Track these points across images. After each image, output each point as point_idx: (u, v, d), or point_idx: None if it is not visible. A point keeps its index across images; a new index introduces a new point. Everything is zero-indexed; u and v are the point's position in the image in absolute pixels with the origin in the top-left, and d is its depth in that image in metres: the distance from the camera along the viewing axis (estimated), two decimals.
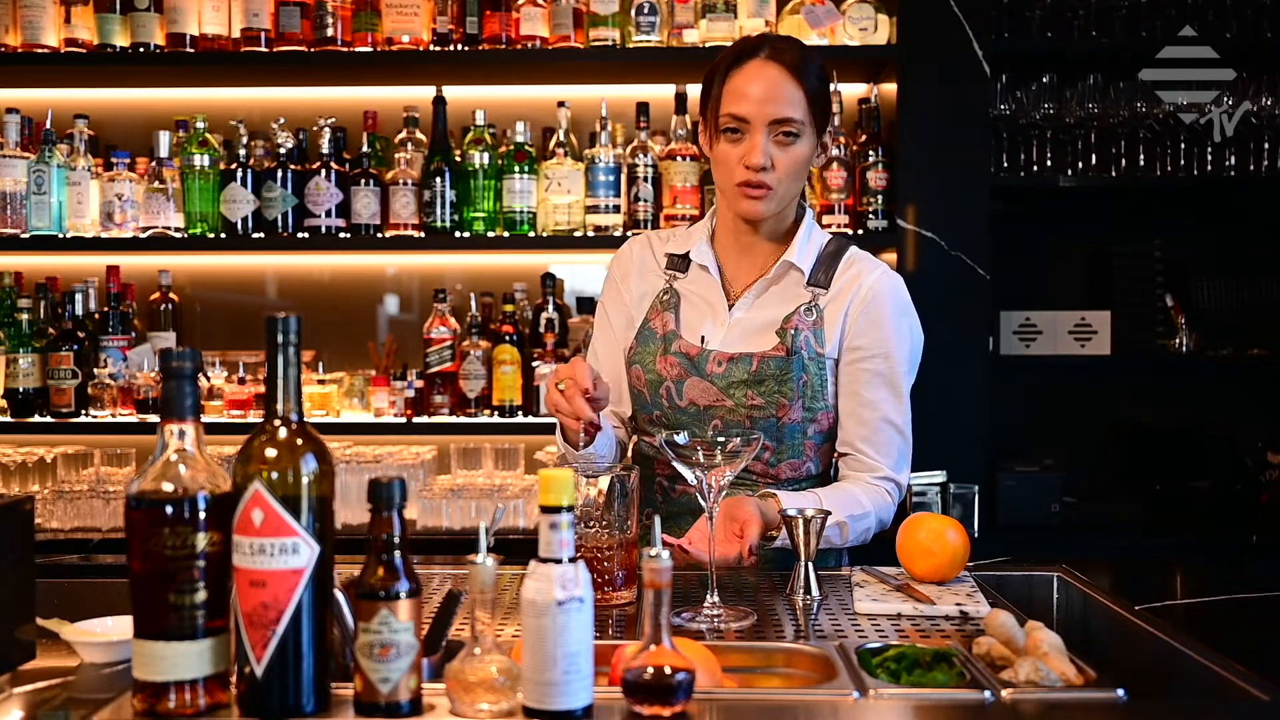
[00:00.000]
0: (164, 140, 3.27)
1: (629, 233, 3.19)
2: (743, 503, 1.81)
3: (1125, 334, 3.39)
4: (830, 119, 1.96)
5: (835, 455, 2.03)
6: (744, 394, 1.92)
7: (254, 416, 3.24)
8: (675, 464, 1.65)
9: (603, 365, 2.08)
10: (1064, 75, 3.36)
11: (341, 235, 3.25)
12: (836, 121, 3.27)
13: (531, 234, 3.23)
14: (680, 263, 2.05)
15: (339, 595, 1.24)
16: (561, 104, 3.27)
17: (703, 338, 1.98)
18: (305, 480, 1.19)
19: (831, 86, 1.95)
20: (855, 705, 1.25)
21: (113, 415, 3.27)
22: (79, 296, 3.36)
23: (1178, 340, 3.43)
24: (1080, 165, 3.38)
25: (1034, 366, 3.43)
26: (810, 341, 1.93)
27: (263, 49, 3.24)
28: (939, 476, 3.14)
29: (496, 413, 3.26)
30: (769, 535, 1.83)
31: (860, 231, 3.24)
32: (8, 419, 3.28)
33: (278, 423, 1.21)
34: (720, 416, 1.93)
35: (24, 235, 3.26)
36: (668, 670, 1.18)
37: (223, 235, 3.26)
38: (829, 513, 1.75)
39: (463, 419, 3.27)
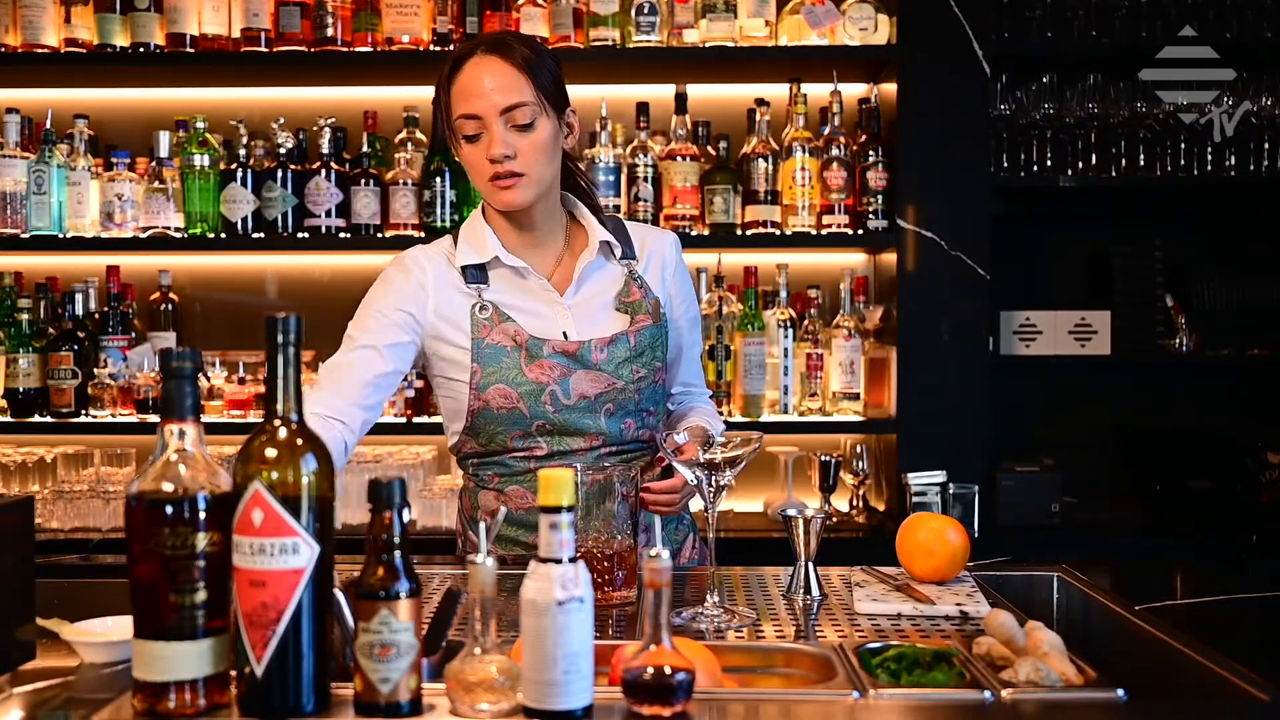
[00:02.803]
0: (164, 140, 3.27)
1: None
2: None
3: (1125, 334, 3.39)
4: (567, 100, 1.96)
5: (670, 394, 2.15)
6: (630, 370, 1.96)
7: (254, 416, 3.24)
8: (675, 464, 1.65)
9: (379, 365, 1.92)
10: (1064, 75, 3.36)
11: (341, 235, 3.25)
12: (837, 122, 3.28)
13: None
14: (477, 273, 1.97)
15: (339, 595, 1.24)
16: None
17: (565, 334, 1.97)
18: (305, 480, 1.19)
19: (555, 63, 1.94)
20: (855, 705, 1.25)
21: (113, 415, 3.27)
22: (79, 296, 3.36)
23: (1178, 340, 3.43)
24: (1080, 165, 3.38)
25: (1034, 366, 3.43)
26: (657, 305, 2.03)
27: (263, 49, 3.24)
28: (939, 476, 3.14)
29: None
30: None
31: (860, 231, 3.25)
32: (8, 419, 3.28)
33: (278, 423, 1.21)
34: (611, 400, 1.95)
35: (24, 235, 3.26)
36: (668, 670, 1.18)
37: (223, 235, 3.26)
38: (828, 513, 1.76)
39: None
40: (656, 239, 2.11)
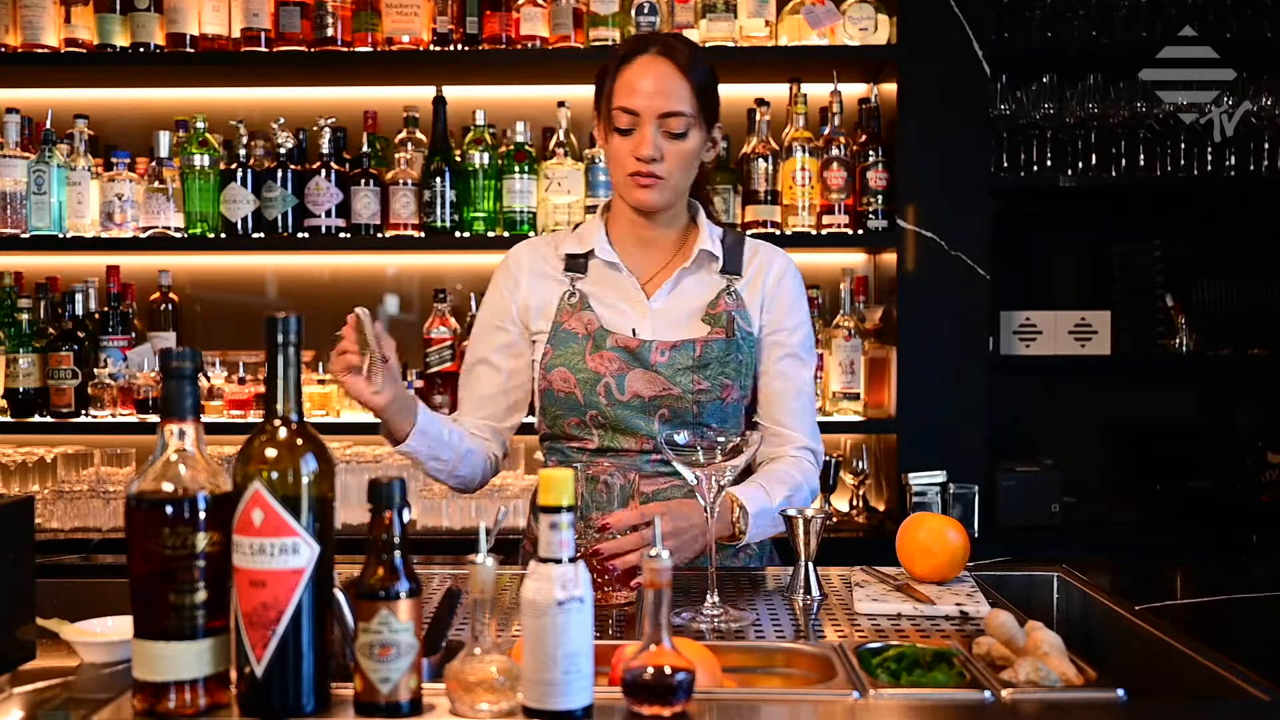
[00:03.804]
0: (164, 140, 3.27)
1: None
2: (683, 505, 1.81)
3: (1125, 334, 3.39)
4: (718, 115, 2.01)
5: (748, 428, 2.06)
6: (690, 379, 1.94)
7: (254, 416, 3.24)
8: (674, 463, 1.65)
9: (493, 375, 2.06)
10: (1064, 75, 3.36)
11: (341, 235, 3.25)
12: (837, 122, 3.28)
13: (532, 234, 3.22)
14: (579, 263, 2.05)
15: (339, 595, 1.24)
16: (561, 104, 3.27)
17: (634, 331, 1.99)
18: (305, 480, 1.19)
19: (719, 85, 2.00)
20: (855, 705, 1.25)
21: (113, 415, 3.27)
22: (79, 296, 3.36)
23: (1178, 340, 3.43)
24: (1080, 165, 3.38)
25: (1034, 366, 3.43)
26: (740, 323, 2.00)
27: (263, 49, 3.24)
28: (939, 476, 3.14)
29: None
30: (725, 539, 1.90)
31: (860, 231, 3.25)
32: (8, 419, 3.28)
33: (278, 423, 1.21)
34: (667, 405, 1.94)
35: (24, 235, 3.26)
36: (668, 670, 1.18)
37: (223, 235, 3.26)
38: (828, 513, 1.76)
39: None
40: (768, 257, 2.09)
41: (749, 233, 2.08)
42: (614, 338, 1.97)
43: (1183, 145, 3.36)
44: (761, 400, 2.07)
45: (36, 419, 3.29)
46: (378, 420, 1.88)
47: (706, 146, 2.00)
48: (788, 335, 2.05)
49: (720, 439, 1.64)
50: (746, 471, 2.01)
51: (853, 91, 3.40)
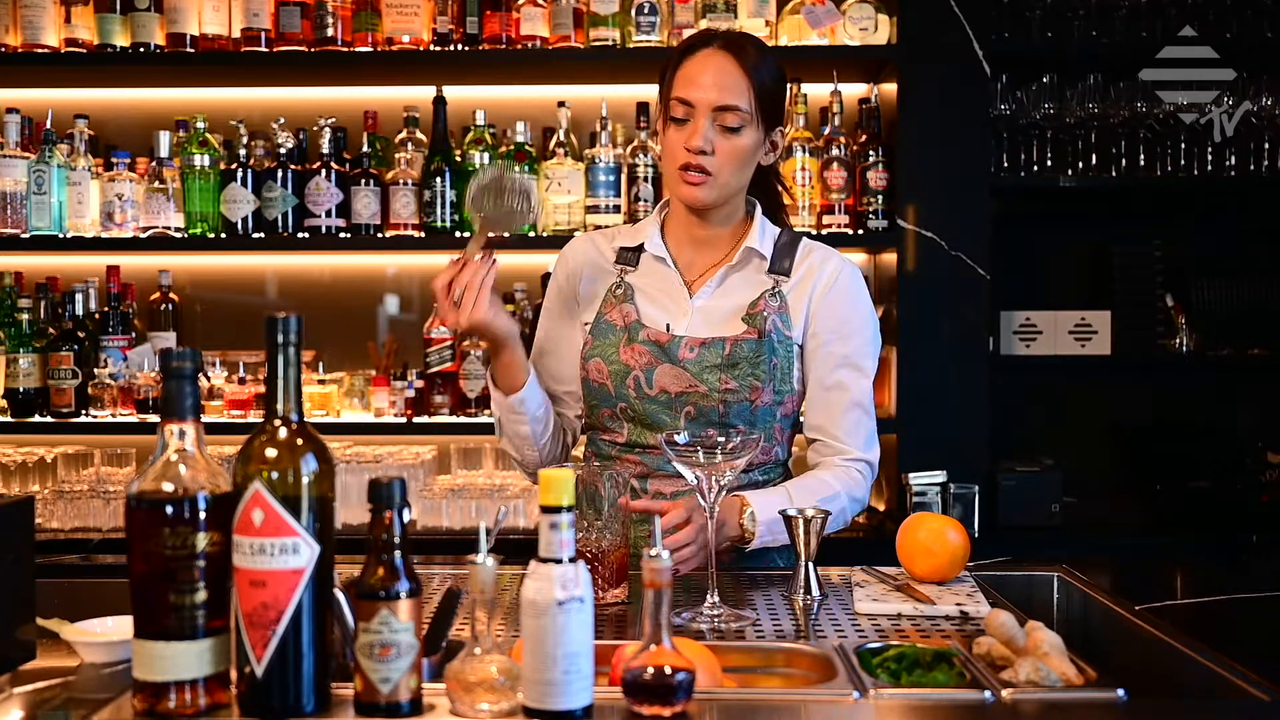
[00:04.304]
0: (164, 140, 3.27)
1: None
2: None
3: (1125, 334, 3.39)
4: (781, 118, 1.98)
5: (806, 440, 2.06)
6: (717, 378, 1.92)
7: (254, 416, 3.24)
8: (675, 463, 1.65)
9: (558, 358, 2.09)
10: (1064, 75, 3.36)
11: (341, 235, 3.25)
12: (837, 122, 3.28)
13: (531, 234, 3.23)
14: (631, 256, 2.05)
15: (339, 595, 1.24)
16: (561, 104, 3.27)
17: (668, 326, 1.98)
18: (305, 480, 1.19)
19: (788, 87, 1.99)
20: (855, 705, 1.25)
21: (113, 415, 3.27)
22: (79, 296, 3.36)
23: (1178, 340, 3.43)
24: (1080, 165, 3.38)
25: (1034, 366, 3.43)
26: (778, 325, 1.96)
27: (263, 49, 3.24)
28: (939, 476, 3.14)
29: None
30: (735, 540, 1.89)
31: (860, 231, 3.25)
32: (8, 419, 3.28)
33: (278, 423, 1.21)
34: (693, 403, 1.93)
35: (24, 235, 3.26)
36: (668, 670, 1.18)
37: (223, 235, 3.26)
38: (829, 513, 1.76)
39: (463, 419, 3.27)
40: (820, 259, 2.02)
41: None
42: (646, 331, 1.97)
43: (1183, 145, 3.36)
44: (813, 411, 2.01)
45: (36, 419, 3.29)
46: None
47: (765, 149, 1.96)
48: (841, 343, 1.98)
49: (720, 439, 1.64)
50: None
51: (853, 91, 3.40)
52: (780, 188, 2.12)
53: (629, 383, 1.95)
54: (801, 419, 2.06)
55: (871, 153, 3.25)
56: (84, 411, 3.29)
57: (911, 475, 3.14)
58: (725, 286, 2.00)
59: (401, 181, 3.24)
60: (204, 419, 1.28)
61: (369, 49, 3.24)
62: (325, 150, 3.26)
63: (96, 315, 3.37)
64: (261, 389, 3.16)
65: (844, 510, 1.97)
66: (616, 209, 3.22)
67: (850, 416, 1.99)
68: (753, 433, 1.68)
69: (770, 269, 2.00)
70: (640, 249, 2.05)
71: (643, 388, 1.95)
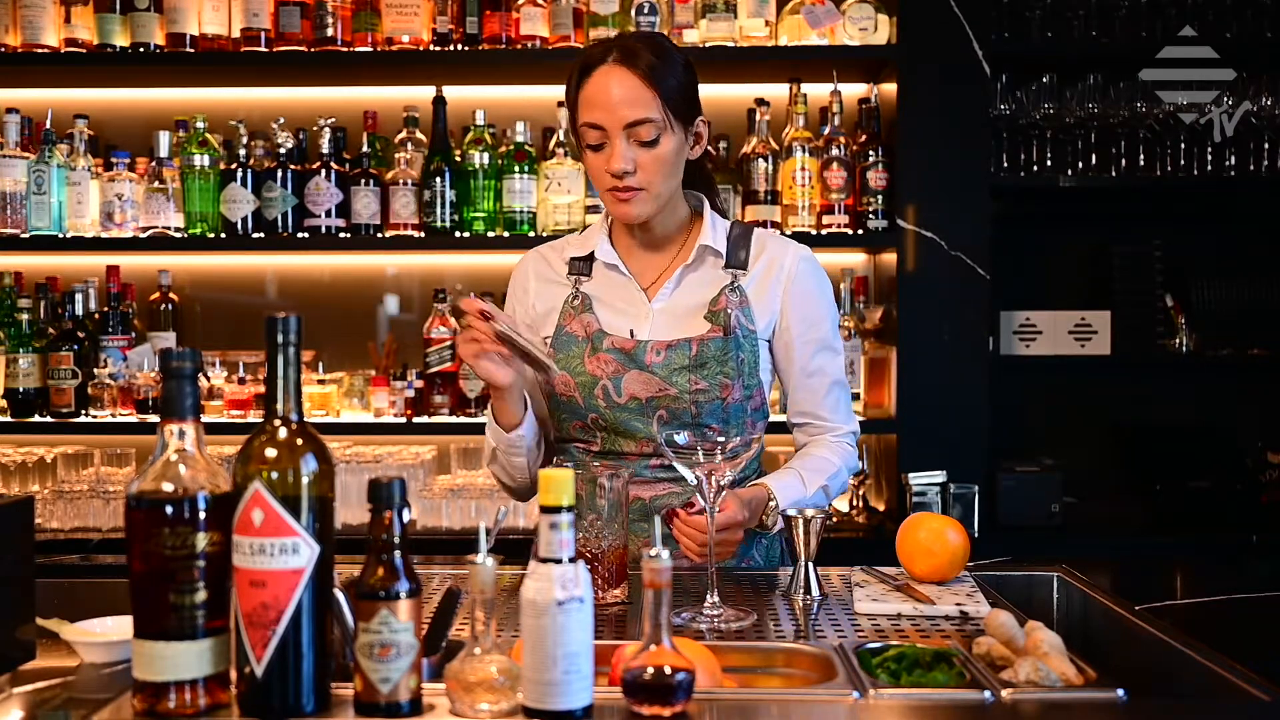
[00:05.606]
0: (164, 140, 3.27)
1: None
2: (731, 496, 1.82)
3: (1125, 334, 3.39)
4: (697, 110, 1.94)
5: (790, 424, 2.09)
6: (687, 379, 1.91)
7: (254, 416, 3.24)
8: (675, 463, 1.65)
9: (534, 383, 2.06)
10: (1064, 75, 3.36)
11: (341, 235, 3.25)
12: (837, 122, 3.28)
13: (531, 234, 3.23)
14: (584, 265, 2.03)
15: (339, 595, 1.24)
16: (561, 104, 3.26)
17: (631, 331, 1.97)
18: (305, 480, 1.19)
19: (686, 73, 1.91)
20: (855, 705, 1.25)
21: (113, 415, 3.27)
22: (79, 296, 3.36)
23: (1178, 340, 3.43)
24: (1080, 165, 3.38)
25: (1034, 366, 3.43)
26: (742, 320, 1.95)
27: (263, 49, 3.24)
28: (939, 476, 3.14)
29: None
30: (763, 525, 1.91)
31: (860, 231, 3.25)
32: (8, 419, 3.28)
33: (278, 423, 1.21)
34: (664, 406, 1.92)
35: (24, 235, 3.26)
36: (668, 670, 1.18)
37: (223, 235, 3.26)
38: (829, 513, 1.76)
39: (463, 419, 3.27)
40: (779, 250, 2.02)
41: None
42: (610, 339, 1.95)
43: (1183, 145, 3.36)
44: (798, 398, 2.04)
45: (36, 419, 3.29)
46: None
47: (688, 144, 1.94)
48: (814, 329, 2.01)
49: (721, 439, 1.64)
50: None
51: (852, 91, 3.40)
52: (705, 170, 2.09)
53: (597, 392, 1.94)
54: (770, 409, 2.06)
55: (871, 153, 3.25)
56: (84, 411, 3.29)
57: (911, 475, 3.14)
58: (683, 286, 1.99)
59: (401, 181, 3.24)
60: (204, 419, 1.28)
61: (369, 49, 3.24)
62: (325, 150, 3.26)
63: (96, 315, 3.37)
64: (261, 389, 3.16)
65: (844, 483, 2.06)
66: None
67: (833, 396, 2.05)
68: (753, 434, 1.68)
69: (727, 264, 1.99)
70: (591, 257, 2.03)
71: (612, 396, 1.93)
